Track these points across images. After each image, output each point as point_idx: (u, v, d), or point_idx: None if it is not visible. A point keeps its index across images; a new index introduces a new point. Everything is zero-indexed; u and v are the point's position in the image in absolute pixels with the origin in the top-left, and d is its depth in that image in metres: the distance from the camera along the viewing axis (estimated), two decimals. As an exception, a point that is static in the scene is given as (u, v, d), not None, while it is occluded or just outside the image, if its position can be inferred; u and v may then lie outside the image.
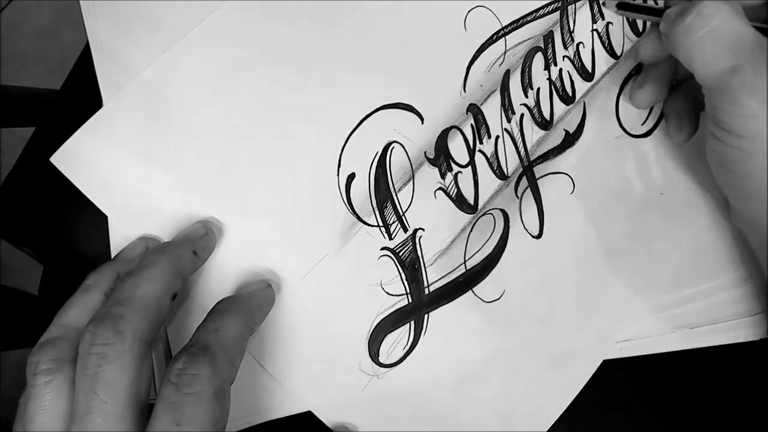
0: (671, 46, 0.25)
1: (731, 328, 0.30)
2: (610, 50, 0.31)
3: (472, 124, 0.30)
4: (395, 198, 0.29)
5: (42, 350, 0.23)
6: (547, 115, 0.30)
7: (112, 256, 0.28)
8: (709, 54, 0.23)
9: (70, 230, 0.33)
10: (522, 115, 0.30)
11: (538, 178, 0.30)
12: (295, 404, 0.28)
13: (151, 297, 0.23)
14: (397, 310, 0.29)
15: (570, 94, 0.31)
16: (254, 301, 0.26)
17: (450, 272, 0.29)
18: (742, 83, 0.23)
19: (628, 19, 0.32)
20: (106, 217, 0.29)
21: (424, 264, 0.29)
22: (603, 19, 0.31)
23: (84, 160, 0.28)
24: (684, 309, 0.30)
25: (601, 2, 0.30)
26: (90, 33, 0.30)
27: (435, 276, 0.29)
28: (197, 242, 0.27)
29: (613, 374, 0.30)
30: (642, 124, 0.31)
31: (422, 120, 0.30)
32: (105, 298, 0.25)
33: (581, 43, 0.31)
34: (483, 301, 0.29)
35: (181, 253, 0.25)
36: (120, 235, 0.28)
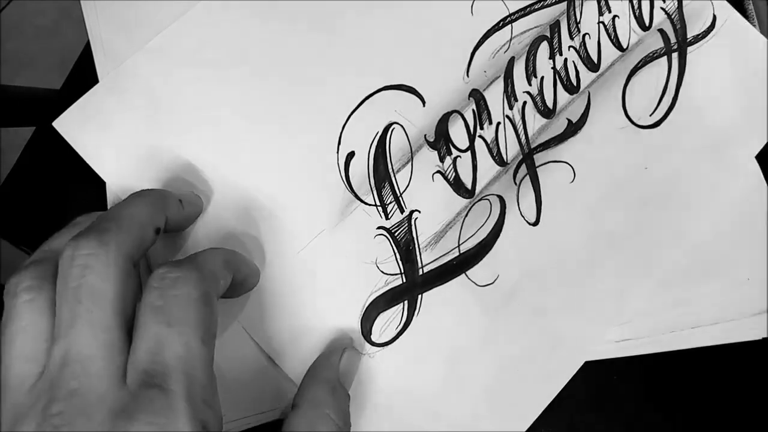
0: None
1: (732, 328, 0.30)
2: (616, 42, 0.31)
3: (473, 110, 0.30)
4: (393, 178, 0.29)
5: (24, 271, 0.21)
6: (550, 103, 0.30)
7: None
8: None
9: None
10: (524, 103, 0.30)
11: (538, 166, 0.30)
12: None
13: (135, 217, 0.22)
14: (391, 289, 0.29)
15: (574, 84, 0.31)
16: (241, 255, 0.26)
17: (444, 255, 0.29)
18: None
19: (635, 14, 0.32)
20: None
21: (418, 245, 0.29)
22: (609, 11, 0.31)
23: (86, 126, 0.29)
24: (684, 308, 0.30)
25: None
26: (90, 33, 0.30)
27: (429, 258, 0.29)
28: (183, 195, 0.27)
29: (608, 375, 0.30)
30: (650, 115, 0.31)
31: (424, 103, 0.30)
32: None
33: (587, 34, 0.31)
34: (476, 285, 0.29)
35: (166, 193, 0.25)
36: (116, 201, 0.29)
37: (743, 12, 0.33)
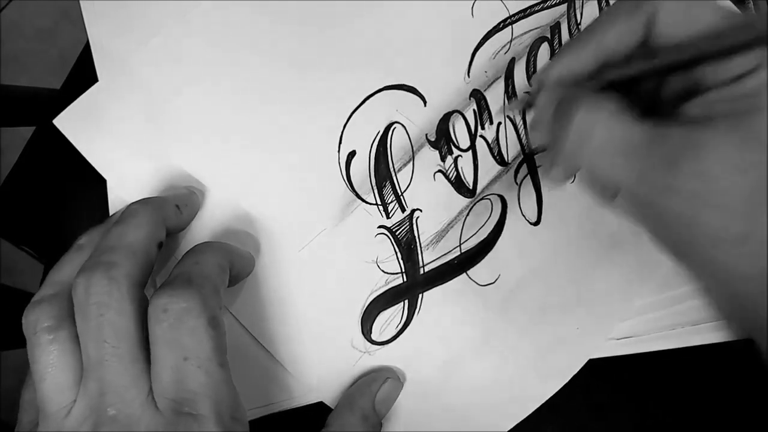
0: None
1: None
2: (616, 44, 0.31)
3: (474, 109, 0.30)
4: (394, 178, 0.29)
5: (40, 307, 0.22)
6: (550, 104, 0.30)
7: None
8: (607, 167, 0.19)
9: (70, 230, 0.32)
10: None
11: (539, 166, 0.30)
12: (296, 397, 0.28)
13: (138, 242, 0.23)
14: (391, 288, 0.29)
15: (574, 85, 0.31)
16: (234, 247, 0.26)
17: (445, 254, 0.29)
18: (653, 188, 0.18)
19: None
20: (107, 216, 0.29)
21: (420, 244, 0.29)
22: (610, 13, 0.32)
23: (87, 123, 0.29)
24: (686, 305, 0.30)
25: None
26: (90, 33, 0.30)
27: (430, 257, 0.29)
28: (180, 198, 0.27)
29: (611, 373, 0.30)
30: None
31: (425, 102, 0.30)
32: None
33: (587, 35, 0.31)
34: (477, 284, 0.29)
35: (163, 203, 0.25)
36: (118, 201, 0.29)
37: (744, 11, 0.33)
